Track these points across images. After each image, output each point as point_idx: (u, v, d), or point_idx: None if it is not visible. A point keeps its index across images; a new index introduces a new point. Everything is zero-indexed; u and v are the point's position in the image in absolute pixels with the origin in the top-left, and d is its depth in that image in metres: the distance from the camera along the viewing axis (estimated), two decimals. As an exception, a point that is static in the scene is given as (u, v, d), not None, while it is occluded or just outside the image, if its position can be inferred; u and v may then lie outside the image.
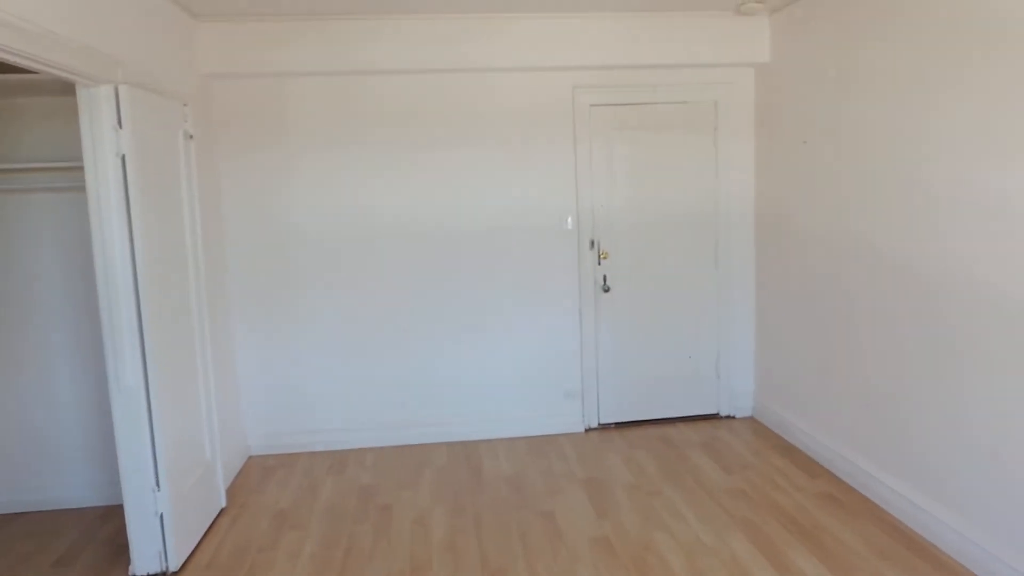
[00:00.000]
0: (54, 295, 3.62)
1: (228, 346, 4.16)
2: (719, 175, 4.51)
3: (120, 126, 2.78)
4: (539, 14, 4.06)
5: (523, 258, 4.43)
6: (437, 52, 4.04)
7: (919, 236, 3.05)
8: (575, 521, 3.39)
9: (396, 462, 4.19)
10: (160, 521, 3.00)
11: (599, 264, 4.49)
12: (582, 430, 4.59)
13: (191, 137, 3.42)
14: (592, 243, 4.47)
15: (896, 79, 3.14)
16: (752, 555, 3.02)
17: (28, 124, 3.52)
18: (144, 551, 3.01)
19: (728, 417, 4.72)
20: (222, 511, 3.62)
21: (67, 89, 3.40)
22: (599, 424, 4.63)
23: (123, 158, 2.80)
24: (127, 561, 3.07)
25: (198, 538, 3.29)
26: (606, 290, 4.51)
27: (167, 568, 3.03)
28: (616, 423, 4.65)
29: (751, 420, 4.66)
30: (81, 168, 2.88)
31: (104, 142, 2.78)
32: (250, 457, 4.35)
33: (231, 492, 3.84)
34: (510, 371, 4.51)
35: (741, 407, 4.72)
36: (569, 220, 4.42)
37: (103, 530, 3.47)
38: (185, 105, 3.39)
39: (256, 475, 4.07)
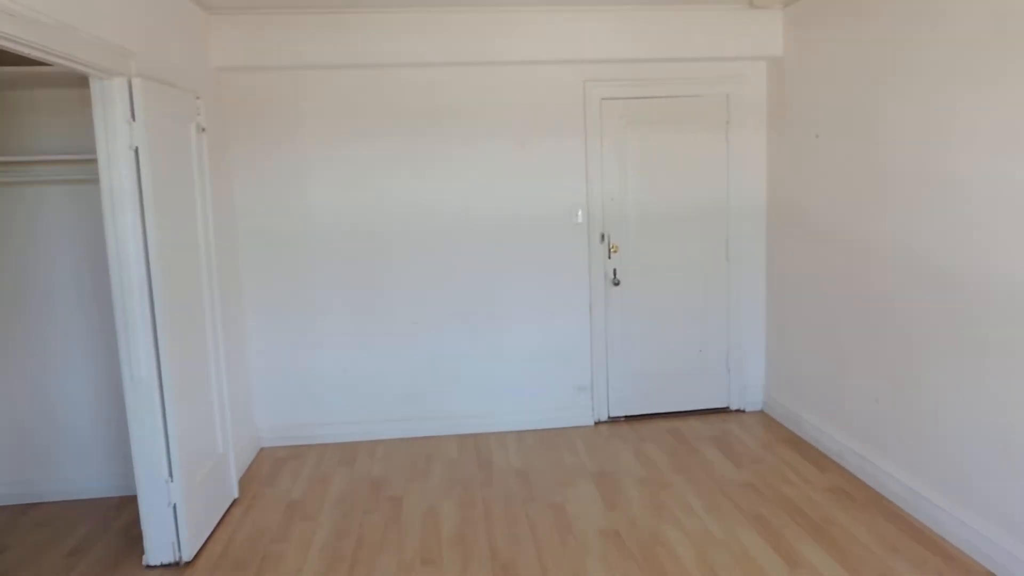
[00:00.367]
0: (68, 287, 3.64)
1: (240, 338, 4.19)
2: (730, 169, 4.49)
3: (133, 119, 2.79)
4: (551, 8, 4.04)
5: (533, 251, 4.43)
6: (449, 46, 4.04)
7: (940, 230, 3.03)
8: (584, 513, 3.40)
9: (406, 454, 4.20)
10: (173, 511, 3.02)
11: (609, 257, 4.49)
12: (592, 423, 4.59)
13: (204, 130, 3.43)
14: (602, 236, 4.46)
15: (916, 72, 3.11)
16: (761, 548, 3.02)
17: (41, 117, 3.54)
18: (158, 541, 3.03)
19: (738, 411, 4.72)
20: (234, 502, 3.64)
21: (80, 82, 3.41)
22: (609, 417, 4.63)
23: (136, 151, 2.81)
24: (141, 551, 3.10)
25: (211, 528, 3.32)
26: (616, 283, 4.51)
27: (180, 558, 3.06)
28: (626, 416, 4.65)
29: (761, 414, 4.66)
30: (94, 161, 2.89)
31: (117, 135, 2.79)
32: (262, 448, 4.37)
33: (243, 483, 3.87)
34: (520, 364, 4.51)
35: (751, 401, 4.71)
36: (579, 213, 4.42)
37: (117, 520, 3.50)
38: (198, 98, 3.40)
39: (268, 466, 4.10)
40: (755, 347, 4.68)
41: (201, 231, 3.39)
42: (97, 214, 3.55)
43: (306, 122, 4.19)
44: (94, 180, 3.37)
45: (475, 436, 4.46)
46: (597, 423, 4.60)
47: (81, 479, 3.75)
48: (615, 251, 4.48)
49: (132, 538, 3.28)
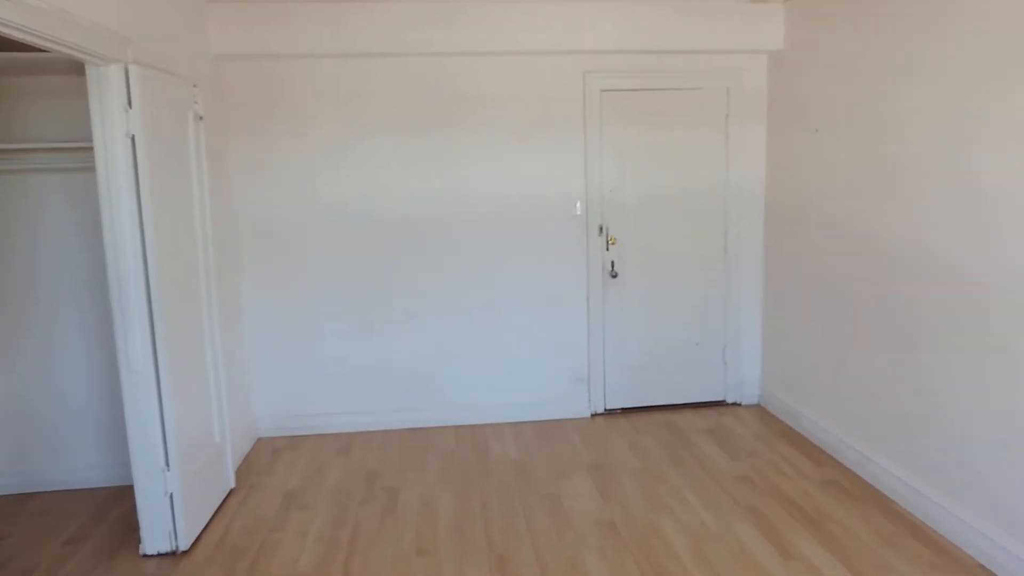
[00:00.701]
0: (65, 276, 3.63)
1: (237, 328, 4.18)
2: (730, 162, 4.48)
3: (130, 106, 2.77)
4: (550, -3, 4.02)
5: (532, 243, 4.42)
6: (450, 36, 4.01)
7: (947, 224, 3.02)
8: (581, 505, 3.41)
9: (403, 445, 4.21)
10: (170, 501, 3.02)
11: (607, 250, 4.48)
12: (588, 415, 4.60)
13: (201, 118, 3.41)
14: (601, 228, 4.45)
15: (922, 65, 3.10)
16: (757, 541, 3.04)
17: (37, 104, 3.51)
18: (154, 530, 3.04)
19: (734, 404, 4.72)
20: (231, 491, 3.65)
21: (76, 68, 3.38)
22: (605, 409, 4.64)
23: (133, 139, 2.79)
24: (138, 540, 3.10)
25: (208, 518, 3.32)
26: (614, 276, 4.50)
27: (177, 547, 3.06)
28: (622, 408, 4.66)
29: (757, 407, 4.67)
30: (90, 148, 2.87)
31: (114, 122, 2.77)
32: (259, 439, 4.37)
33: (240, 473, 3.87)
34: (517, 356, 4.51)
35: (747, 394, 4.72)
36: (578, 205, 4.41)
37: (114, 510, 3.50)
38: (195, 86, 3.38)
39: (265, 456, 4.10)
40: (752, 341, 4.68)
41: (199, 220, 3.37)
42: (93, 202, 3.53)
43: (306, 112, 4.17)
44: (90, 168, 3.35)
45: (472, 427, 4.46)
46: (594, 415, 4.61)
47: (79, 468, 3.75)
48: (613, 243, 4.48)
49: (129, 527, 3.28)
